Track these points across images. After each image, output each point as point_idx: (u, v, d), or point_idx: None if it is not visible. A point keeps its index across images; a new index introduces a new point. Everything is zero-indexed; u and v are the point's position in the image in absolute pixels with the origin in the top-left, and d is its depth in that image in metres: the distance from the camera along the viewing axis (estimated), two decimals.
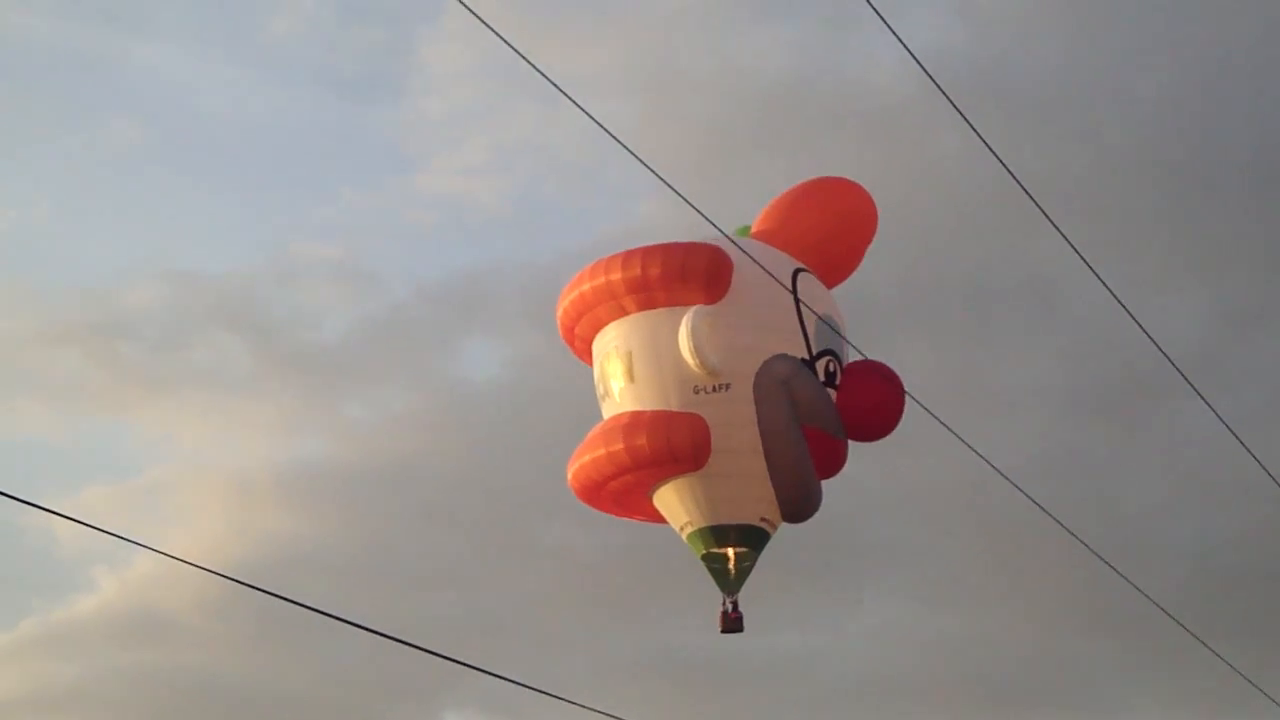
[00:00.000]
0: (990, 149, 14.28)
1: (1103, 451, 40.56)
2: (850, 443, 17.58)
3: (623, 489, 17.22)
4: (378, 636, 11.98)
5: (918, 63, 12.81)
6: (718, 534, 17.20)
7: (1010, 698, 41.16)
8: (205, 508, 40.32)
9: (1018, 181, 15.01)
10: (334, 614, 12.22)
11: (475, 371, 41.68)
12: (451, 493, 38.51)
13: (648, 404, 16.95)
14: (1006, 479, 19.49)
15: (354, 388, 42.21)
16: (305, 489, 39.76)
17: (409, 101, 44.95)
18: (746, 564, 17.36)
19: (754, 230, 17.89)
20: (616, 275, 16.94)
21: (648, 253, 16.93)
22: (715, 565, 17.30)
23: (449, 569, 38.75)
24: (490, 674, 12.47)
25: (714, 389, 16.77)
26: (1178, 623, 23.11)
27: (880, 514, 40.62)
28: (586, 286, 17.17)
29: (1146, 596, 21.77)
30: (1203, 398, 20.89)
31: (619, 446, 16.83)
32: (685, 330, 16.54)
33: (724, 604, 17.36)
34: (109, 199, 43.61)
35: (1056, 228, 15.77)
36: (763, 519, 17.27)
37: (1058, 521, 19.02)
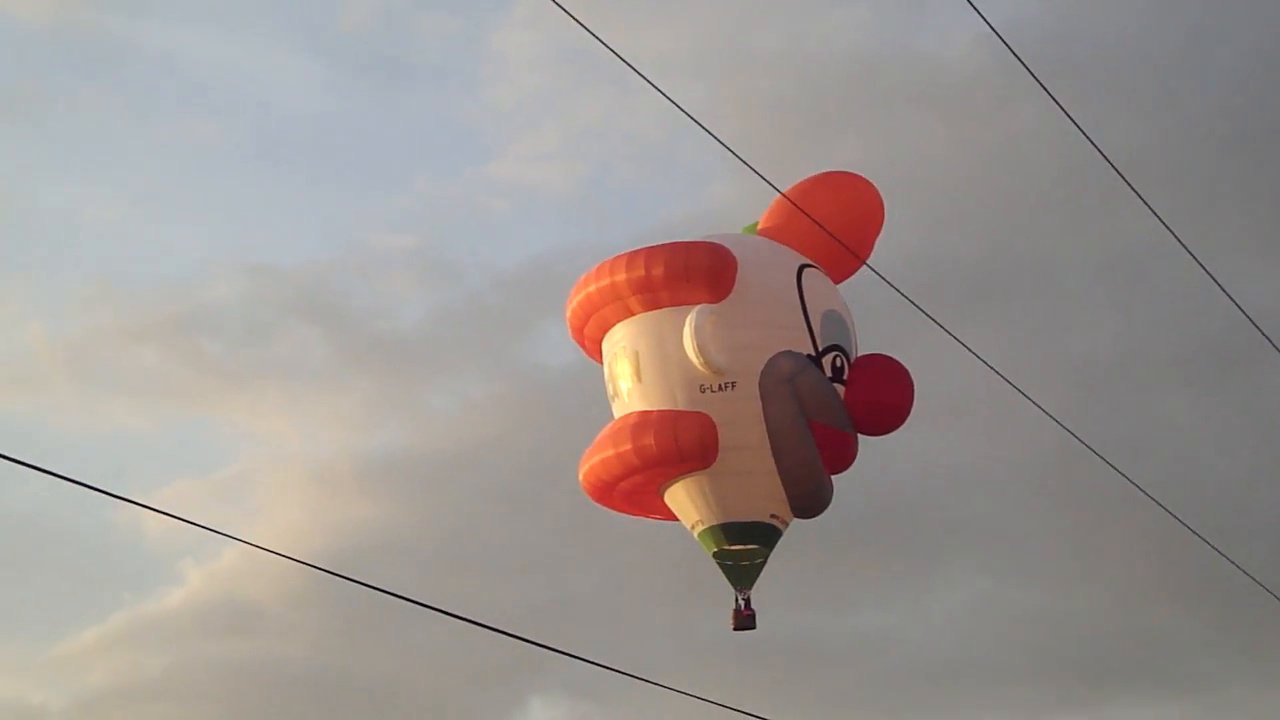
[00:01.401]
0: (1073, 120, 14.29)
1: (1188, 422, 40.15)
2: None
3: (633, 489, 17.33)
4: (460, 623, 12.19)
5: (995, 33, 12.84)
6: (728, 531, 17.26)
7: (1095, 675, 40.77)
8: (288, 499, 40.88)
9: (1100, 152, 15.02)
10: (417, 599, 12.48)
11: (552, 357, 41.80)
12: (532, 478, 38.69)
13: (655, 403, 17.04)
14: (1090, 449, 19.43)
15: (432, 376, 42.56)
16: (386, 478, 40.19)
17: (482, 90, 45.24)
18: (759, 560, 17.43)
19: (760, 228, 17.92)
20: (621, 276, 17.03)
21: (651, 253, 17.01)
22: (727, 563, 17.36)
23: (531, 554, 39.00)
24: (574, 656, 12.64)
25: (720, 387, 16.82)
26: (1268, 591, 22.86)
27: (961, 491, 40.47)
28: (593, 288, 17.28)
29: (1235, 565, 21.58)
30: None
31: (627, 447, 16.94)
32: (689, 330, 16.61)
33: (736, 601, 17.37)
34: (187, 194, 44.31)
35: (1141, 197, 15.72)
36: (773, 515, 17.31)
37: (1143, 491, 18.92)
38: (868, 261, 17.20)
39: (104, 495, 9.77)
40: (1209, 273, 16.64)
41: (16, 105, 42.03)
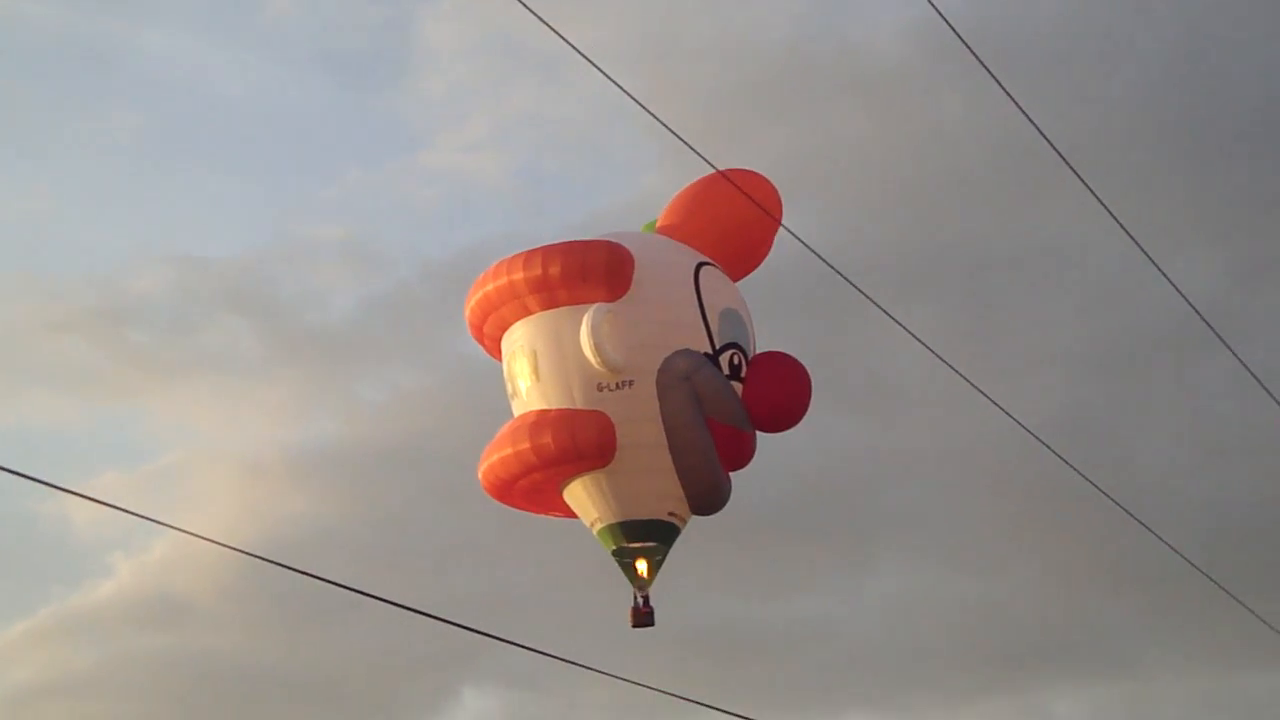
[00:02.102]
0: (1015, 102, 14.45)
1: (1120, 408, 40.39)
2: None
3: (532, 487, 17.37)
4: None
5: (939, 14, 12.85)
6: (626, 529, 17.30)
7: (1029, 660, 41.10)
8: (219, 491, 40.80)
9: (1043, 135, 15.14)
10: (353, 587, 12.50)
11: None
12: (464, 469, 38.56)
13: (553, 402, 17.07)
14: (1028, 431, 19.54)
15: (363, 367, 42.55)
16: (318, 470, 40.17)
17: (411, 79, 45.14)
18: (657, 558, 17.45)
19: (658, 226, 17.95)
20: (519, 275, 17.05)
21: (548, 252, 17.03)
22: (625, 560, 17.38)
23: (464, 545, 39.01)
24: (508, 642, 12.60)
25: (617, 386, 16.86)
26: (1200, 571, 23.01)
27: (895, 477, 40.61)
28: (490, 287, 17.30)
29: (1169, 545, 21.72)
30: (1229, 347, 20.81)
31: (525, 445, 16.97)
32: (586, 328, 16.64)
33: (635, 598, 17.39)
34: (112, 185, 44.12)
35: (1084, 181, 15.83)
36: (670, 513, 17.36)
37: (1080, 474, 19.04)
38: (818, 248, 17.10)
39: (33, 484, 9.70)
40: (1147, 254, 16.76)
41: None
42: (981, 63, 13.71)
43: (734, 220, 17.83)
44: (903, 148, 40.83)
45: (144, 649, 40.10)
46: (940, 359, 20.24)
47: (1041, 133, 14.41)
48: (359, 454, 40.04)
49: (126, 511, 10.66)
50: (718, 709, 16.18)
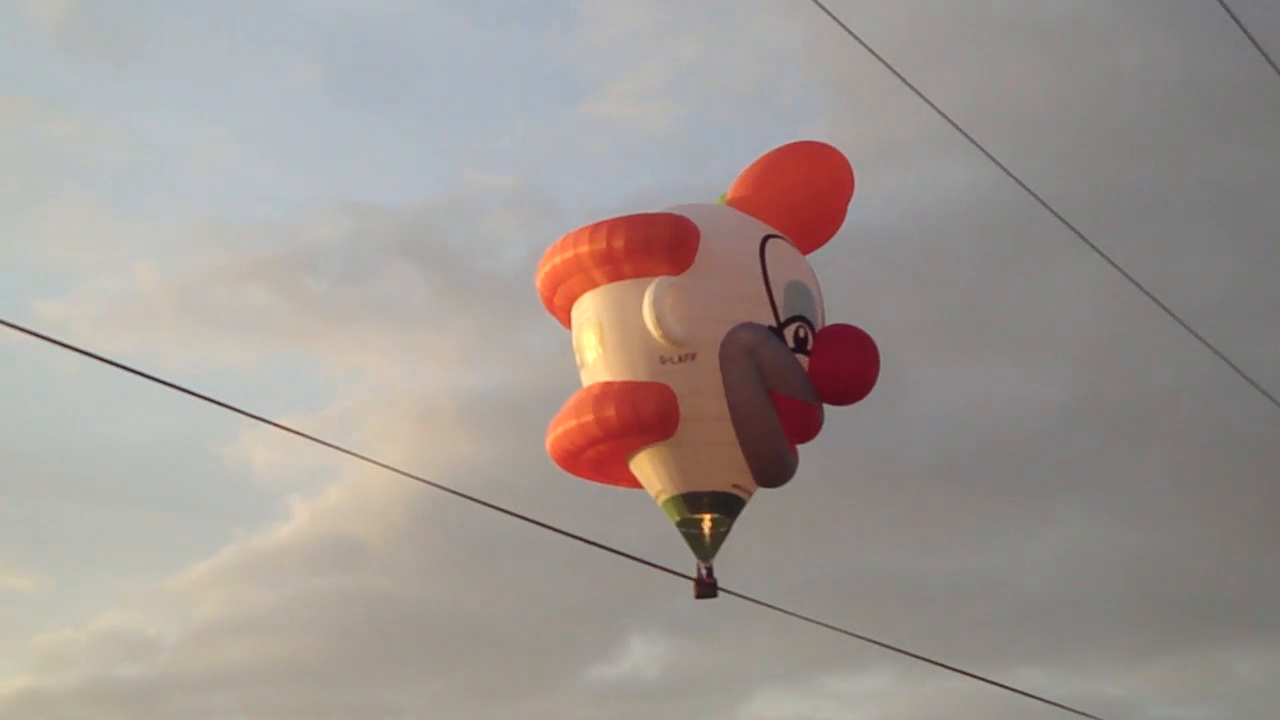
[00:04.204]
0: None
1: None
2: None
3: (598, 458, 17.54)
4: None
5: None
6: (690, 501, 17.37)
7: (1212, 618, 40.30)
8: (393, 435, 41.71)
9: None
10: (531, 518, 13.05)
11: None
12: None
13: (618, 374, 17.21)
14: (1238, 372, 19.09)
15: (532, 315, 42.85)
16: (489, 415, 40.86)
17: (580, 29, 45.37)
18: (721, 529, 17.51)
19: (729, 198, 17.92)
20: (584, 248, 17.18)
21: (613, 225, 17.13)
22: (690, 531, 17.48)
23: (632, 492, 39.29)
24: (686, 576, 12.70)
25: (680, 359, 16.90)
26: None
27: (1067, 429, 40.01)
28: (558, 260, 17.47)
29: None
30: None
31: (589, 418, 17.14)
32: (648, 301, 16.72)
33: (698, 569, 17.47)
34: (290, 135, 45.12)
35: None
36: (735, 485, 17.39)
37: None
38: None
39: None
40: None
41: (124, 45, 43.11)
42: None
43: (804, 192, 17.75)
44: (1078, 94, 40.04)
45: (320, 589, 41.42)
46: (1156, 301, 19.91)
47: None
48: (529, 400, 40.50)
49: (324, 444, 11.24)
50: (896, 649, 15.82)
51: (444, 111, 45.52)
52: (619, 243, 16.97)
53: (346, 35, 45.06)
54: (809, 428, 17.47)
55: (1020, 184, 17.61)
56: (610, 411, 17.01)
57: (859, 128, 41.96)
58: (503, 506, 13.42)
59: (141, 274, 43.31)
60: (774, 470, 17.37)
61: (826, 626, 17.62)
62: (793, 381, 17.03)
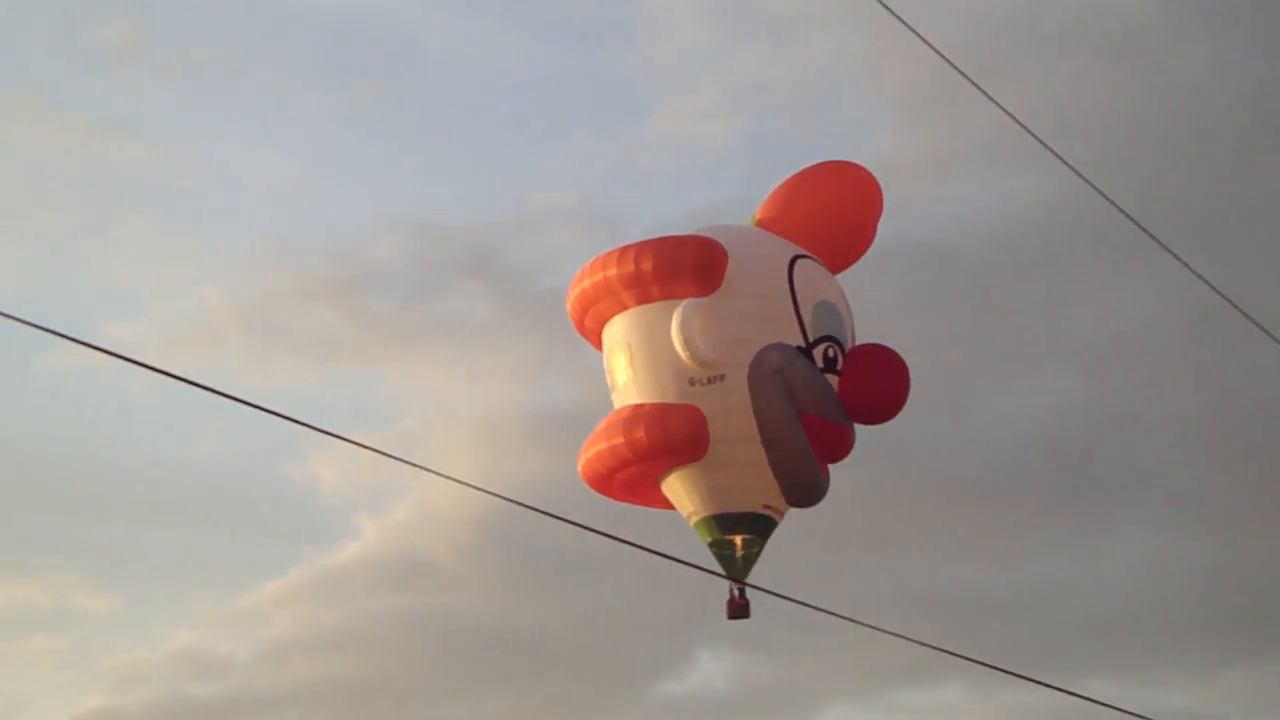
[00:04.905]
0: None
1: None
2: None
3: (630, 480, 17.62)
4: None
5: None
6: (721, 522, 17.43)
7: (1272, 630, 39.77)
8: (458, 453, 41.75)
9: None
10: (604, 531, 13.24)
11: None
12: None
13: (648, 396, 17.31)
14: None
15: None
16: (553, 432, 40.77)
17: (639, 45, 45.47)
18: (754, 550, 17.55)
19: (757, 219, 17.97)
20: (613, 271, 17.27)
21: (641, 247, 17.23)
22: (723, 552, 17.53)
23: None
24: (757, 588, 12.82)
25: (709, 380, 16.98)
26: None
27: (1136, 439, 39.70)
28: (587, 283, 17.57)
29: None
30: None
31: (620, 440, 17.24)
32: (676, 324, 16.81)
33: (731, 590, 17.51)
34: (353, 155, 45.42)
35: None
36: (766, 506, 17.43)
37: None
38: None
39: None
40: None
41: (188, 66, 43.58)
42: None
43: (832, 212, 17.79)
44: (1143, 102, 39.78)
45: (388, 608, 41.53)
46: (1235, 305, 19.76)
47: None
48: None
49: (398, 459, 11.48)
50: (968, 659, 15.76)
51: (505, 129, 45.81)
52: (647, 265, 17.06)
53: (408, 56, 45.47)
54: (840, 447, 17.47)
55: (1097, 190, 17.40)
56: (640, 434, 17.11)
57: (920, 140, 41.86)
58: (576, 520, 13.64)
59: (207, 295, 43.75)
60: (805, 490, 17.40)
61: (898, 637, 17.35)
62: (822, 401, 17.05)
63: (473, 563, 40.86)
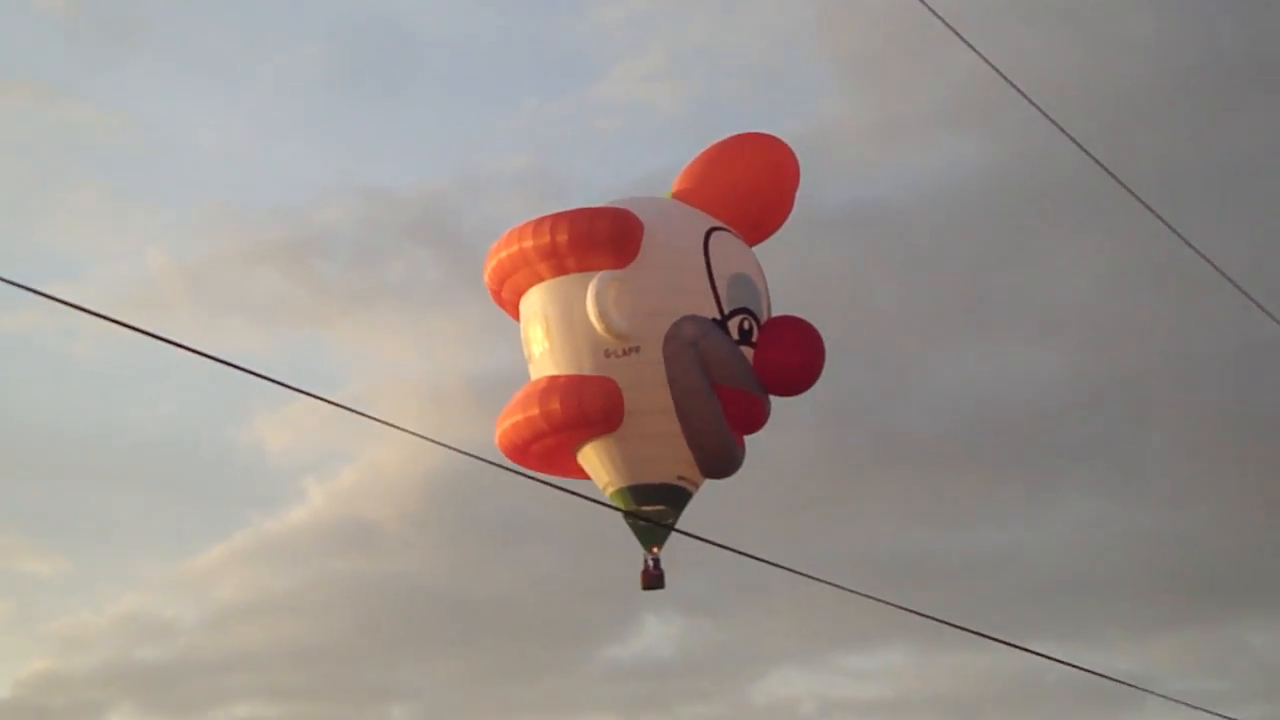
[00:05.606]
0: None
1: None
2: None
3: (546, 451, 17.63)
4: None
5: None
6: (636, 493, 17.50)
7: (1224, 592, 40.17)
8: (404, 417, 41.42)
9: None
10: (563, 486, 13.18)
11: None
12: None
13: (564, 368, 17.35)
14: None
15: None
16: (499, 397, 40.75)
17: (589, 10, 45.34)
18: (668, 521, 17.60)
19: (674, 191, 18.00)
20: (529, 243, 17.28)
21: (556, 219, 17.23)
22: (636, 523, 17.59)
23: None
24: (716, 544, 13.04)
25: (624, 352, 17.02)
26: None
27: (1079, 406, 39.92)
28: (503, 254, 17.58)
29: None
30: None
31: (535, 411, 17.28)
32: (591, 296, 16.83)
33: (645, 561, 17.60)
34: (301, 118, 45.25)
35: None
36: (680, 478, 17.51)
37: None
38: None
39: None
40: None
41: (132, 30, 43.29)
42: None
43: (748, 184, 17.81)
44: (1092, 66, 39.84)
45: (336, 571, 41.64)
46: (1213, 265, 19.67)
47: None
48: None
49: (351, 410, 11.38)
50: (919, 614, 15.59)
51: (453, 94, 45.60)
52: (562, 237, 17.08)
53: (354, 18, 45.16)
54: (754, 419, 17.55)
55: (1081, 148, 17.15)
56: (555, 405, 17.14)
57: (870, 104, 41.89)
58: (533, 474, 13.74)
59: (153, 258, 43.55)
60: (719, 462, 17.48)
61: (849, 592, 16.97)
62: (736, 373, 17.11)
63: (420, 527, 40.98)
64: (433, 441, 12.46)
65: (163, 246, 43.29)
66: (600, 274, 16.89)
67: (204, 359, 9.87)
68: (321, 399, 11.21)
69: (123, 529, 42.06)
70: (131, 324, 9.62)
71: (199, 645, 41.01)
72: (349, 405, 11.25)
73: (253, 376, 10.16)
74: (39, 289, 8.97)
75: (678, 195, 17.92)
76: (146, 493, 41.46)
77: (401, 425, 12.02)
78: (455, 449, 12.85)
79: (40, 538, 42.21)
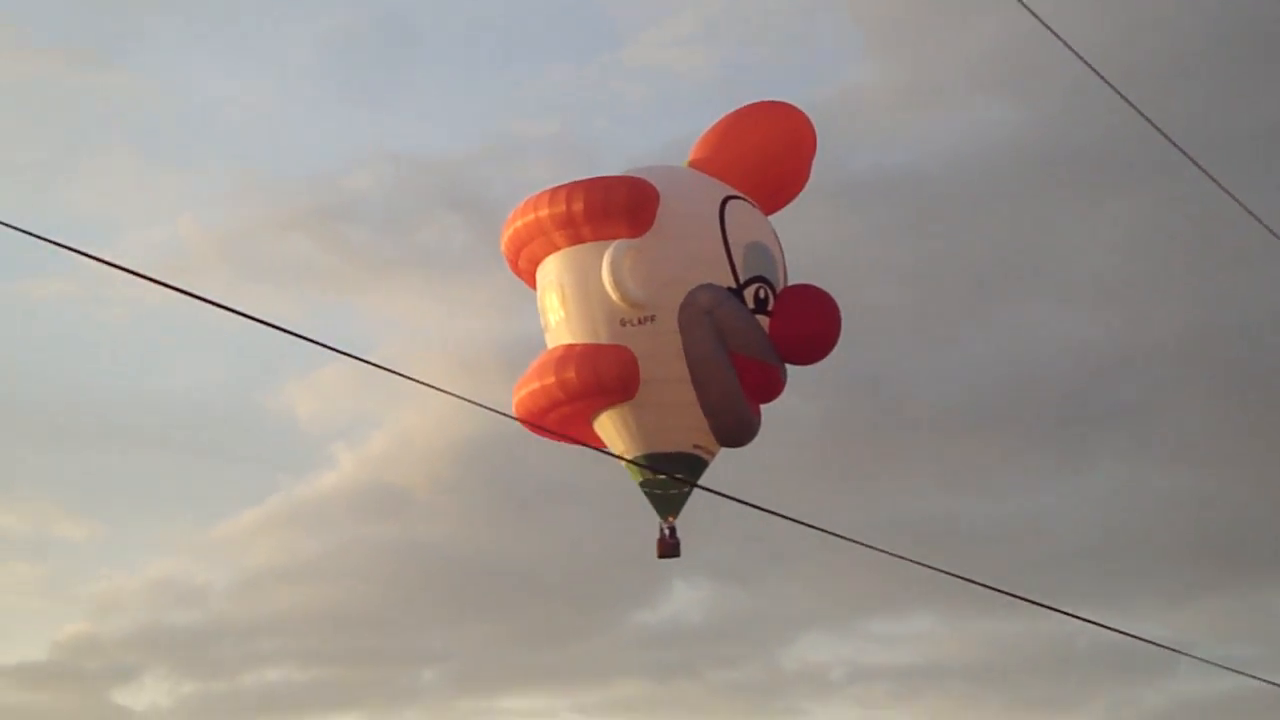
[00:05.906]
0: None
1: None
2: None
3: (562, 419, 17.64)
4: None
5: None
6: (652, 462, 17.48)
7: (1257, 558, 39.94)
8: (435, 383, 41.67)
9: None
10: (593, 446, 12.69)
11: None
12: None
13: (580, 337, 17.37)
14: None
15: None
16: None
17: None
18: (685, 490, 17.58)
19: (690, 159, 17.95)
20: (545, 212, 17.27)
21: (572, 188, 17.21)
22: (652, 491, 17.62)
23: None
24: (739, 501, 13.19)
25: (640, 321, 17.02)
26: None
27: (1117, 370, 39.75)
28: (519, 223, 17.57)
29: None
30: None
31: (551, 380, 17.30)
32: (606, 264, 16.83)
33: (661, 529, 17.62)
34: (330, 85, 45.26)
35: None
36: (696, 446, 17.51)
37: None
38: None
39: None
40: None
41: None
42: None
43: (765, 152, 17.77)
44: (1116, 34, 39.54)
45: (367, 537, 41.78)
46: (1261, 222, 19.56)
47: None
48: None
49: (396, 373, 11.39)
50: (951, 574, 15.32)
51: (483, 61, 45.62)
52: (578, 206, 17.06)
53: None
54: (770, 388, 17.53)
55: (1132, 105, 16.80)
56: (571, 374, 17.16)
57: (899, 69, 41.66)
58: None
59: (184, 225, 43.67)
60: (735, 431, 17.47)
61: (880, 551, 16.36)
62: (752, 342, 17.10)
63: (450, 492, 41.05)
64: (471, 402, 12.35)
65: (194, 213, 43.42)
66: (616, 243, 16.88)
67: (234, 325, 9.88)
68: (359, 358, 11.16)
69: (155, 494, 42.35)
70: (171, 283, 9.65)
71: (231, 609, 41.30)
72: (375, 373, 11.16)
73: (285, 338, 10.07)
74: (72, 256, 8.98)
75: (694, 164, 17.88)
76: (179, 458, 41.76)
77: (438, 386, 11.89)
78: (493, 409, 12.89)
79: (74, 503, 42.52)
